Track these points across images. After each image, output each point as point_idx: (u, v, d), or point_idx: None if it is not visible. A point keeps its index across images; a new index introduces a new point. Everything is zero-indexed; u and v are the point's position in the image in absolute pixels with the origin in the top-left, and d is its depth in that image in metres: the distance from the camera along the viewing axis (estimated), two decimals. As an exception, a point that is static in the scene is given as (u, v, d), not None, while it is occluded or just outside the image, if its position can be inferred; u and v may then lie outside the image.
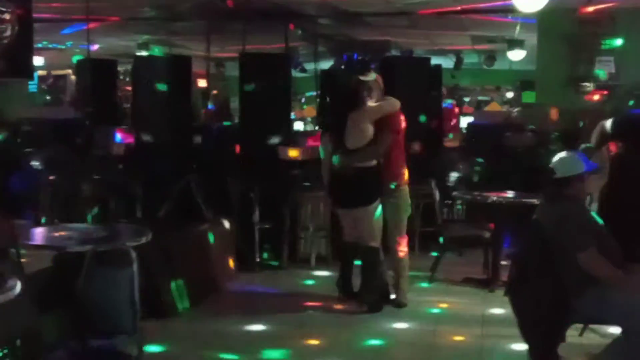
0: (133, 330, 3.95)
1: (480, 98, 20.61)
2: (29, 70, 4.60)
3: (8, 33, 3.50)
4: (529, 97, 15.39)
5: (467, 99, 20.50)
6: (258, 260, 7.22)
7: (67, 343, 4.17)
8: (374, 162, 5.71)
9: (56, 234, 4.49)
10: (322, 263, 7.36)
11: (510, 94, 19.82)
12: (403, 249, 5.92)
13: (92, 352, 4.24)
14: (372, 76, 5.87)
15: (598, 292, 3.95)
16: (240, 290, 6.47)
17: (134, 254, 3.82)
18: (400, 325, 5.53)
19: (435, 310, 5.95)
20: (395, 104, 5.81)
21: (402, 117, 5.86)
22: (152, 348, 4.72)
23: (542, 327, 4.07)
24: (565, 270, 3.99)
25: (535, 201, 6.02)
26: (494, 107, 18.78)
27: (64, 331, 4.17)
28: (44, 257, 5.11)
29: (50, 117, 9.55)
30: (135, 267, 3.80)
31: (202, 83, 13.45)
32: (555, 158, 4.23)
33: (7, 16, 3.47)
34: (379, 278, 5.86)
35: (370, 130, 5.63)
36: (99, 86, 9.17)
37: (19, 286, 3.30)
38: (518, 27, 9.83)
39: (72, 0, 8.15)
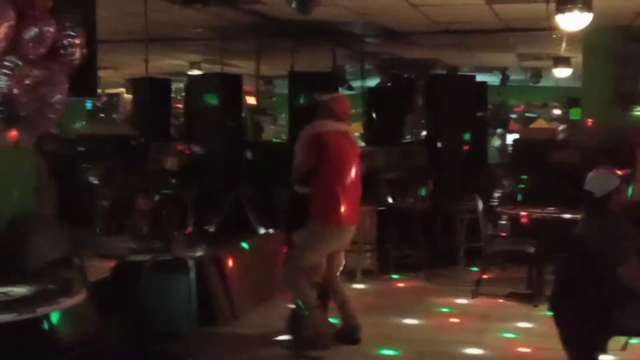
0: (189, 334, 4.16)
1: (527, 115, 20.54)
2: (93, 89, 4.90)
3: (77, 56, 3.76)
4: (576, 114, 15.32)
5: (513, 116, 20.44)
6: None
7: (126, 346, 4.40)
8: (309, 190, 5.11)
9: (116, 244, 4.75)
10: (368, 276, 7.51)
11: (557, 111, 19.71)
12: (301, 285, 5.13)
13: (150, 355, 4.46)
14: (324, 97, 5.33)
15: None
16: (288, 300, 6.64)
17: (191, 263, 4.04)
18: (444, 337, 5.65)
19: (479, 325, 6.03)
20: (310, 128, 5.11)
21: (332, 147, 5.03)
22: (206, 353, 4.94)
23: (583, 339, 4.15)
24: (607, 283, 4.07)
25: (578, 217, 6.11)
26: (540, 124, 18.69)
27: (123, 335, 4.40)
28: (103, 267, 5.44)
29: (106, 133, 9.96)
30: (192, 275, 4.02)
31: (250, 100, 13.75)
32: (589, 179, 4.32)
33: (77, 40, 3.73)
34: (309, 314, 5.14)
35: (299, 155, 5.13)
36: (155, 104, 9.53)
37: (85, 290, 3.55)
38: (564, 45, 9.87)
39: (129, 23, 8.50)
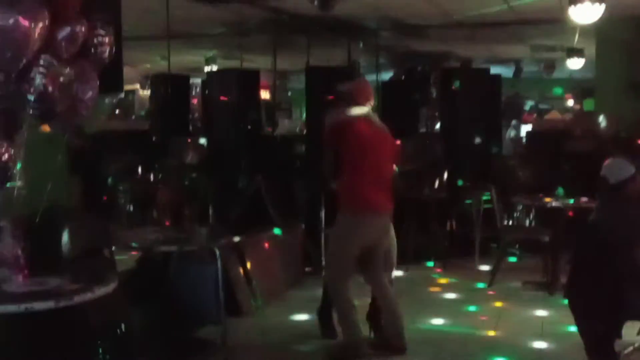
0: (218, 321, 4.28)
1: (540, 106, 20.55)
2: (120, 86, 5.04)
3: (107, 54, 3.87)
4: (590, 105, 15.32)
5: (527, 108, 20.46)
6: (324, 263, 7.51)
7: (158, 334, 4.54)
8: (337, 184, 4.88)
9: (144, 236, 4.89)
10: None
11: (571, 102, 19.71)
12: (335, 286, 4.85)
13: (181, 342, 4.60)
14: (344, 87, 5.01)
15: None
16: (308, 291, 6.77)
17: (218, 252, 4.16)
18: (462, 328, 5.76)
19: (495, 312, 6.14)
20: (329, 117, 4.86)
21: (354, 132, 4.76)
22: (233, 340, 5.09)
23: (597, 324, 4.24)
24: (622, 269, 4.17)
25: (592, 205, 6.19)
26: (554, 115, 18.69)
27: (154, 324, 4.53)
28: (129, 258, 5.58)
29: (125, 128, 10.12)
30: (219, 263, 4.15)
31: (264, 94, 13.87)
32: (605, 166, 4.42)
33: (106, 39, 3.85)
34: (342, 319, 4.91)
35: (326, 149, 4.86)
36: (174, 99, 9.67)
37: (116, 279, 3.68)
38: (577, 36, 9.91)
39: (148, 20, 8.63)
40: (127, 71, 14.85)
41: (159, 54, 11.54)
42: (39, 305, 3.25)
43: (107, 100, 15.82)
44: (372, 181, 4.74)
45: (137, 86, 17.91)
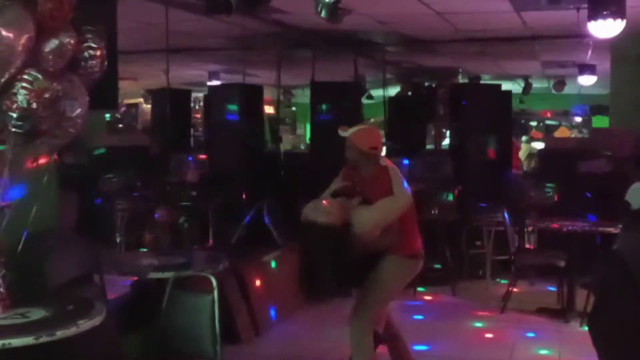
0: (214, 354, 4.04)
1: (548, 122, 20.35)
2: (114, 101, 4.80)
3: (98, 68, 3.64)
4: (600, 121, 15.10)
5: (534, 123, 20.26)
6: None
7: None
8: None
9: (137, 261, 4.64)
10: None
11: (579, 119, 19.49)
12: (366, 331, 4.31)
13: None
14: (346, 132, 4.39)
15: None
16: (311, 316, 6.51)
17: (215, 281, 3.92)
18: (475, 355, 5.49)
19: (508, 340, 5.86)
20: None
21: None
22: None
23: (622, 356, 4.00)
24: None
25: (611, 229, 5.93)
26: (562, 132, 18.48)
27: (144, 355, 4.28)
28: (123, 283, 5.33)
29: (125, 144, 9.88)
30: (215, 293, 3.90)
31: (268, 109, 13.69)
32: (629, 191, 4.22)
33: (98, 52, 3.61)
34: None
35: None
36: (174, 115, 9.44)
37: (104, 311, 3.43)
38: (590, 52, 9.68)
39: (149, 33, 8.44)
40: (129, 85, 14.76)
41: (162, 68, 11.34)
42: (17, 342, 3.00)
43: (108, 115, 15.64)
44: (417, 226, 4.49)
45: (141, 100, 17.77)
